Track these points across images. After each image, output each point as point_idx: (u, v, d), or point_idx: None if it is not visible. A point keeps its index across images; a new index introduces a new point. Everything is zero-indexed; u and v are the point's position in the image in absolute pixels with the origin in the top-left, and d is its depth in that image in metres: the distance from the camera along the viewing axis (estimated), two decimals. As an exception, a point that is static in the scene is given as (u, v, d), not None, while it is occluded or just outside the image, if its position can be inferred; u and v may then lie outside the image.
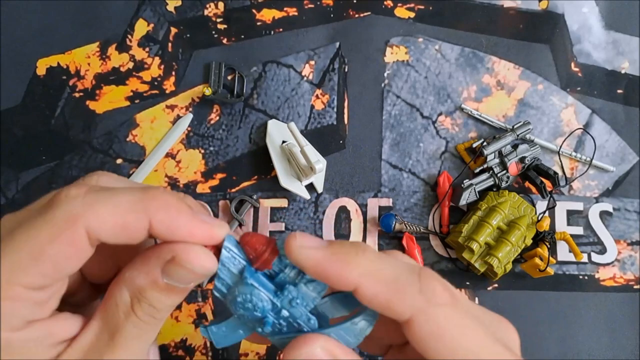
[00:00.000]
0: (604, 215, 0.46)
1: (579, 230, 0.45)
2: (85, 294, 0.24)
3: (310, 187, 0.45)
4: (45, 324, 0.21)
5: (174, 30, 0.48)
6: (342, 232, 0.44)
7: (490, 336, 0.20)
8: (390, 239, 0.44)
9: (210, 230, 0.21)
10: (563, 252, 0.45)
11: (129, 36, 0.47)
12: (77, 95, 0.46)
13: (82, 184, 0.21)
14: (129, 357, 0.21)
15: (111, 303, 0.21)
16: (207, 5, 0.48)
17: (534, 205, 0.45)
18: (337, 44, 0.48)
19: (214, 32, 0.47)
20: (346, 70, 0.47)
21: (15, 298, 0.19)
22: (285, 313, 0.21)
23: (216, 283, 0.21)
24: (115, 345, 0.21)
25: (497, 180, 0.44)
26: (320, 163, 0.41)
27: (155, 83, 0.47)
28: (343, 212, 0.45)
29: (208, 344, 0.43)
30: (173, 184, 0.45)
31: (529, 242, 0.43)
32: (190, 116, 0.46)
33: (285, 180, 0.44)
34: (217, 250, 0.21)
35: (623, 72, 0.48)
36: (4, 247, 0.20)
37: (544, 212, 0.44)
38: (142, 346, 0.22)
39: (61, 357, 0.21)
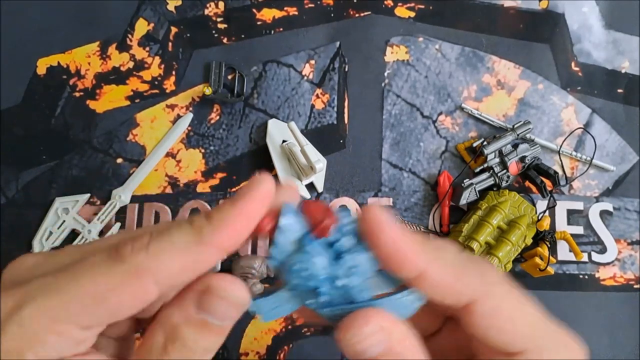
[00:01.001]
0: (604, 214, 0.46)
1: (579, 229, 0.45)
2: (126, 327, 0.24)
3: (311, 187, 0.45)
4: None
5: (174, 29, 0.48)
6: (342, 231, 0.44)
7: (543, 313, 0.21)
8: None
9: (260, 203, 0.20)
10: (563, 251, 0.45)
11: (129, 36, 0.47)
12: (77, 94, 0.46)
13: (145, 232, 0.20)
14: None
15: (146, 345, 0.21)
16: (208, 5, 0.48)
17: (534, 204, 0.45)
18: (338, 43, 0.48)
19: (214, 32, 0.47)
20: (346, 69, 0.47)
21: (61, 334, 0.19)
22: (339, 283, 0.20)
23: (272, 252, 0.20)
24: None
25: (497, 180, 0.44)
26: (320, 162, 0.41)
27: (156, 82, 0.47)
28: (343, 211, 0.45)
29: (208, 344, 0.43)
30: (173, 183, 0.45)
31: (529, 241, 0.43)
32: (190, 116, 0.46)
33: (286, 180, 0.44)
34: (273, 220, 0.21)
35: (623, 71, 0.48)
36: (66, 282, 0.20)
37: (544, 212, 0.44)
38: None
39: None
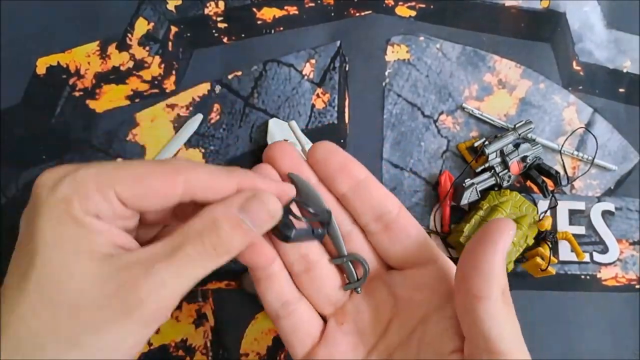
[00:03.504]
0: (605, 214, 0.45)
1: (580, 229, 0.45)
2: (152, 233, 0.29)
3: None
4: (110, 226, 0.24)
5: (174, 29, 0.47)
6: (343, 231, 0.44)
7: None
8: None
9: (288, 189, 0.27)
10: (565, 251, 0.45)
11: (129, 35, 0.47)
12: (77, 94, 0.46)
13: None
14: (178, 276, 0.23)
15: (183, 229, 0.24)
16: (208, 4, 0.47)
17: (535, 204, 0.45)
18: (338, 42, 0.47)
19: (214, 31, 0.47)
20: (347, 69, 0.47)
21: (104, 196, 0.23)
22: None
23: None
24: (170, 259, 0.23)
25: (498, 180, 0.44)
26: None
27: (156, 82, 0.47)
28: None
29: (208, 344, 0.43)
30: (173, 183, 0.45)
31: (530, 241, 0.43)
32: (200, 116, 0.46)
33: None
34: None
35: (625, 70, 0.48)
36: (117, 165, 0.24)
37: (546, 212, 0.44)
38: (192, 273, 0.24)
39: (116, 256, 0.23)
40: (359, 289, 0.29)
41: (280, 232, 0.27)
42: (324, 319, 0.30)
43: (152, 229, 0.29)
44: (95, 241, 0.23)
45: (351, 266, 0.29)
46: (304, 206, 0.28)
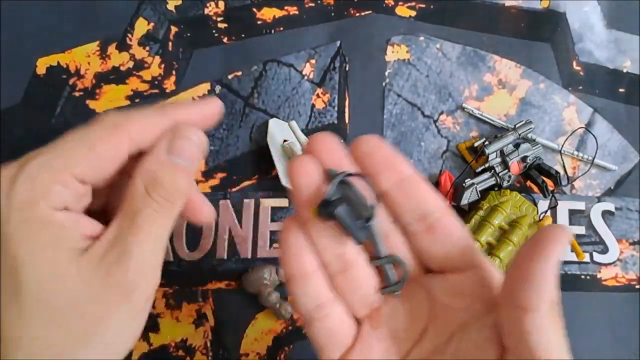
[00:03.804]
0: (605, 214, 0.45)
1: (580, 229, 0.45)
2: (105, 196, 0.28)
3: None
4: (77, 216, 0.24)
5: (174, 29, 0.47)
6: (343, 231, 0.44)
7: None
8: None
9: (214, 104, 0.27)
10: (565, 251, 0.45)
11: (129, 35, 0.47)
12: (77, 94, 0.46)
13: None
14: (150, 239, 0.24)
15: (129, 195, 0.24)
16: (208, 4, 0.47)
17: (535, 204, 0.45)
18: (338, 42, 0.47)
19: (214, 31, 0.47)
20: (347, 69, 0.47)
21: (63, 184, 0.23)
22: None
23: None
24: (136, 227, 0.23)
25: (498, 180, 0.44)
26: None
27: (156, 82, 0.47)
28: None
29: (208, 344, 0.43)
30: (173, 183, 0.45)
31: (530, 241, 0.43)
32: None
33: (287, 180, 0.44)
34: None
35: (625, 70, 0.48)
36: (60, 143, 0.24)
37: (546, 212, 0.44)
38: (160, 231, 0.24)
39: (89, 249, 0.23)
40: (398, 293, 0.28)
41: (326, 206, 0.25)
42: (358, 322, 0.29)
43: (101, 193, 0.28)
44: (70, 238, 0.23)
45: (390, 268, 0.28)
46: (349, 201, 0.26)
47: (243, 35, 0.47)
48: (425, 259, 0.28)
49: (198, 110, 0.27)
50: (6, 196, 0.22)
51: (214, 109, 0.28)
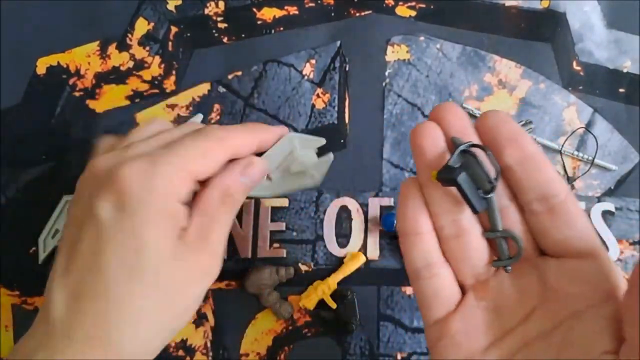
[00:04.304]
0: (606, 214, 0.45)
1: (581, 229, 0.45)
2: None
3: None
4: (186, 209, 0.30)
5: (174, 29, 0.47)
6: (343, 231, 0.44)
7: None
8: (392, 239, 0.44)
9: (281, 130, 0.37)
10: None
11: (129, 35, 0.47)
12: (77, 94, 0.46)
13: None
14: (221, 232, 0.31)
15: (206, 200, 0.30)
16: (208, 4, 0.47)
17: (535, 204, 0.44)
18: (338, 42, 0.47)
19: (214, 31, 0.47)
20: (347, 69, 0.47)
21: (189, 182, 0.30)
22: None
23: None
24: (213, 223, 0.30)
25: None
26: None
27: (156, 82, 0.47)
28: (344, 211, 0.45)
29: (209, 344, 0.43)
30: (173, 183, 0.45)
31: (530, 241, 0.43)
32: (200, 116, 0.46)
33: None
34: None
35: (625, 71, 0.48)
36: (180, 148, 0.30)
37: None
38: (227, 228, 0.31)
39: (183, 238, 0.29)
40: (509, 268, 0.27)
41: (449, 172, 0.25)
42: (463, 290, 0.29)
43: None
44: (179, 226, 0.29)
45: (504, 243, 0.27)
46: (471, 172, 0.26)
47: (243, 35, 0.47)
48: (543, 241, 0.27)
49: (274, 134, 0.36)
50: (144, 188, 0.28)
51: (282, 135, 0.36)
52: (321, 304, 0.42)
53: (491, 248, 0.28)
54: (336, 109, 0.46)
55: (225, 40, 0.47)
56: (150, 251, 0.28)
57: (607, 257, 0.26)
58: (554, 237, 0.27)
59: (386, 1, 0.48)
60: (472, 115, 0.46)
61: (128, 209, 0.27)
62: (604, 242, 0.45)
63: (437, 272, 0.28)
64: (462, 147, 0.26)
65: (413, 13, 0.48)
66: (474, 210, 0.26)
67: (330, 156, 0.38)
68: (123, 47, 0.47)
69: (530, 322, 0.27)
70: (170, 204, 0.29)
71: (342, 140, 0.46)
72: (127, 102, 0.46)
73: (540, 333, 0.26)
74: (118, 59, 0.47)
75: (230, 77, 0.47)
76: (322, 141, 0.38)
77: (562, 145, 0.46)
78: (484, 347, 0.27)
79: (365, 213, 0.44)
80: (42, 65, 0.46)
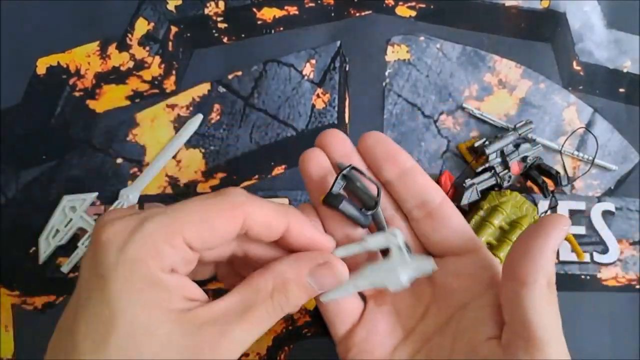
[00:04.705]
0: (606, 214, 0.45)
1: (581, 229, 0.45)
2: (208, 272, 0.31)
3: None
4: (183, 279, 0.25)
5: (174, 29, 0.47)
6: (343, 231, 0.44)
7: None
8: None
9: (326, 243, 0.28)
10: (565, 251, 0.45)
11: (129, 35, 0.47)
12: (77, 94, 0.46)
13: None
14: (250, 331, 0.25)
15: (253, 286, 0.25)
16: (208, 4, 0.47)
17: (536, 204, 0.45)
18: (338, 42, 0.47)
19: (214, 31, 0.47)
20: (347, 69, 0.47)
21: (175, 247, 0.24)
22: None
23: None
24: (245, 319, 0.24)
25: (498, 180, 0.44)
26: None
27: (156, 82, 0.47)
28: (344, 211, 0.44)
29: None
30: (173, 183, 0.45)
31: (530, 241, 0.43)
32: (200, 116, 0.46)
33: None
34: None
35: (625, 70, 0.48)
36: (180, 207, 0.25)
37: (546, 212, 0.44)
38: (260, 332, 0.25)
39: (192, 311, 0.24)
40: None
41: (332, 199, 0.28)
42: (364, 300, 0.31)
43: (207, 266, 0.30)
44: (171, 299, 0.24)
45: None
46: (355, 191, 0.29)
47: (243, 35, 0.47)
48: (426, 244, 0.30)
49: (311, 236, 0.28)
50: (119, 250, 0.23)
51: (325, 247, 0.28)
52: (321, 304, 0.42)
53: (383, 255, 0.30)
54: (336, 109, 0.46)
55: (225, 40, 0.47)
56: (120, 323, 0.23)
57: (485, 251, 0.29)
58: (434, 238, 0.30)
59: (386, 1, 0.48)
60: (472, 115, 0.46)
61: (102, 273, 0.23)
62: (604, 242, 0.45)
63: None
64: (342, 172, 0.29)
65: (413, 13, 0.48)
66: (362, 226, 0.29)
67: (432, 265, 0.29)
68: (123, 47, 0.47)
69: (426, 319, 0.29)
70: (147, 271, 0.23)
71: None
72: (127, 102, 0.46)
73: (437, 328, 0.29)
74: (118, 59, 0.47)
75: (230, 77, 0.47)
76: (428, 270, 0.29)
77: (562, 145, 0.46)
78: (391, 349, 0.29)
79: (365, 213, 0.44)
80: (42, 65, 0.46)
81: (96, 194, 0.44)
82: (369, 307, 0.31)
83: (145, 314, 0.23)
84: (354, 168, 0.29)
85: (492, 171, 0.44)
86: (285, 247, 0.28)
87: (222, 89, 0.46)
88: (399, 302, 0.30)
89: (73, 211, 0.43)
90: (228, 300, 0.25)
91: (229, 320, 0.24)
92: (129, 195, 0.44)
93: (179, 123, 0.46)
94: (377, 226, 0.30)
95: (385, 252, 0.29)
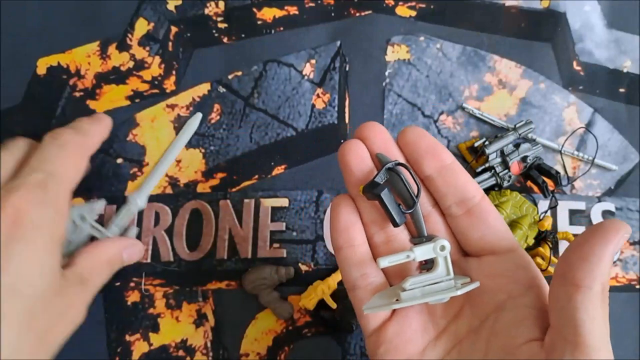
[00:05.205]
0: (606, 214, 0.45)
1: (581, 229, 0.45)
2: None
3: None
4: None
5: (174, 29, 0.47)
6: (343, 231, 0.44)
7: None
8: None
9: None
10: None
11: (129, 35, 0.47)
12: (77, 94, 0.46)
13: None
14: (94, 291, 0.36)
15: (97, 249, 0.38)
16: (208, 4, 0.47)
17: (536, 204, 0.45)
18: (338, 42, 0.47)
19: (214, 31, 0.47)
20: (347, 69, 0.47)
21: (69, 202, 0.34)
22: None
23: None
24: (94, 276, 0.38)
25: (499, 180, 0.44)
26: None
27: (156, 82, 0.47)
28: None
29: (208, 344, 0.43)
30: (174, 183, 0.45)
31: (531, 241, 0.43)
32: (199, 115, 0.45)
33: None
34: None
35: (625, 70, 0.48)
36: (57, 165, 0.37)
37: (546, 212, 0.44)
38: (94, 292, 0.37)
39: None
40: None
41: (374, 187, 0.28)
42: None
43: None
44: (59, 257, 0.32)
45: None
46: (396, 186, 0.29)
47: (243, 35, 0.47)
48: (464, 241, 0.30)
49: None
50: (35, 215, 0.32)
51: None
52: (321, 304, 0.42)
53: None
54: (336, 109, 0.46)
55: (225, 40, 0.47)
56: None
57: (522, 251, 0.29)
58: (473, 236, 0.29)
59: (386, 1, 0.48)
60: (472, 115, 0.46)
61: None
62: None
63: (371, 281, 0.30)
64: (388, 165, 0.29)
65: (413, 13, 0.48)
66: (395, 224, 0.29)
67: (476, 282, 0.29)
68: (123, 47, 0.47)
69: (460, 319, 0.29)
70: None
71: (342, 140, 0.46)
72: (127, 102, 0.46)
73: (470, 328, 0.28)
74: (118, 59, 0.47)
75: (230, 77, 0.47)
76: None
77: (562, 145, 0.46)
78: (421, 348, 0.29)
79: (365, 213, 0.44)
80: (42, 65, 0.46)
81: (104, 202, 0.44)
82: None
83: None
84: (399, 164, 0.29)
85: (492, 171, 0.44)
86: None
87: (222, 89, 0.46)
88: None
89: (83, 220, 0.42)
90: (83, 261, 0.35)
91: (86, 278, 0.35)
92: (137, 200, 0.43)
93: (179, 123, 0.46)
94: (415, 225, 0.30)
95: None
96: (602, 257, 0.24)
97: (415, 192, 0.29)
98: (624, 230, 0.24)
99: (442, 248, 0.28)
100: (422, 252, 0.28)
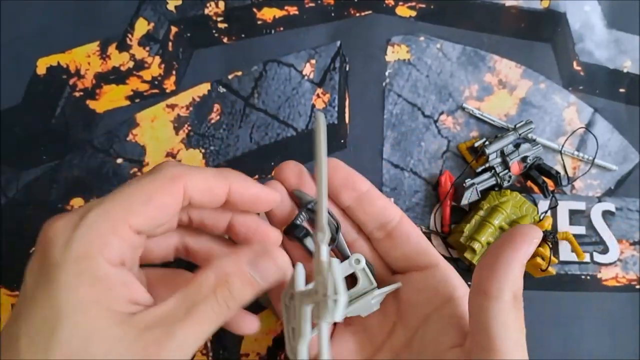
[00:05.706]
0: (606, 214, 0.45)
1: (581, 229, 0.45)
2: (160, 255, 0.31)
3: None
4: (130, 275, 0.24)
5: (174, 29, 0.47)
6: (343, 231, 0.44)
7: None
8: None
9: (274, 195, 0.29)
10: (565, 251, 0.45)
11: (129, 35, 0.47)
12: (77, 94, 0.46)
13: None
14: (196, 332, 0.23)
15: (196, 283, 0.24)
16: (208, 4, 0.47)
17: (536, 204, 0.45)
18: (338, 42, 0.47)
19: (214, 31, 0.47)
20: (347, 69, 0.47)
21: (121, 236, 0.23)
22: None
23: None
24: (190, 318, 0.23)
25: (499, 180, 0.44)
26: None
27: (156, 82, 0.47)
28: (344, 211, 0.45)
29: (208, 344, 0.43)
30: (173, 183, 0.45)
31: (530, 241, 0.43)
32: (321, 115, 0.45)
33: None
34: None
35: (625, 70, 0.48)
36: (119, 192, 0.24)
37: (546, 212, 0.44)
38: (208, 328, 0.24)
39: (136, 316, 0.23)
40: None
41: (293, 230, 0.30)
42: None
43: (161, 244, 0.31)
44: (117, 301, 0.23)
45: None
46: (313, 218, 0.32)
47: (243, 35, 0.47)
48: (389, 262, 0.32)
49: (256, 192, 0.28)
50: (65, 245, 0.22)
51: (270, 200, 0.29)
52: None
53: (349, 278, 0.32)
54: (336, 109, 0.46)
55: (225, 40, 0.47)
56: (64, 327, 0.22)
57: (444, 264, 0.31)
58: (397, 256, 0.31)
59: (386, 1, 0.48)
60: (472, 115, 0.46)
61: (46, 273, 0.22)
62: (604, 242, 0.45)
63: None
64: (308, 206, 0.31)
65: (413, 13, 0.48)
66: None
67: (397, 282, 0.32)
68: (123, 47, 0.47)
69: (394, 335, 0.30)
70: (95, 266, 0.22)
71: (342, 140, 0.46)
72: (127, 102, 0.46)
73: (405, 343, 0.30)
74: (118, 59, 0.47)
75: (230, 77, 0.47)
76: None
77: (562, 145, 0.46)
78: None
79: (366, 213, 0.44)
80: (42, 66, 0.46)
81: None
82: (338, 326, 0.32)
83: (89, 317, 0.22)
84: (308, 208, 0.31)
85: (492, 171, 0.44)
86: (235, 209, 0.28)
87: (222, 89, 0.46)
88: (367, 320, 0.31)
89: None
90: (172, 301, 0.24)
91: (172, 321, 0.23)
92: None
93: (179, 123, 0.46)
94: (340, 254, 0.32)
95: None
96: (510, 266, 0.25)
97: (336, 227, 0.31)
98: (532, 236, 0.25)
99: (357, 261, 0.30)
100: (341, 270, 0.27)
